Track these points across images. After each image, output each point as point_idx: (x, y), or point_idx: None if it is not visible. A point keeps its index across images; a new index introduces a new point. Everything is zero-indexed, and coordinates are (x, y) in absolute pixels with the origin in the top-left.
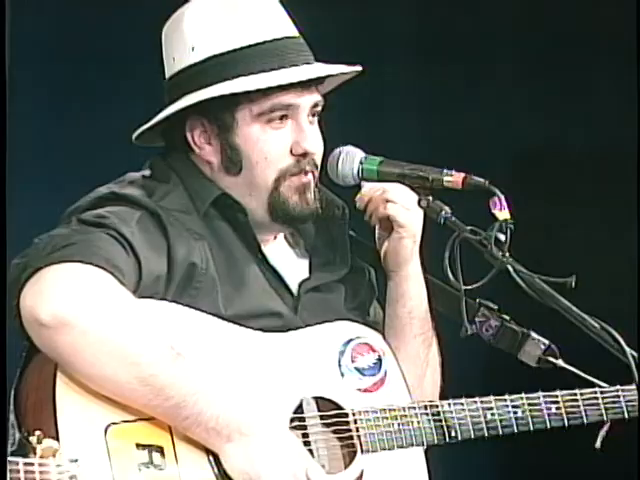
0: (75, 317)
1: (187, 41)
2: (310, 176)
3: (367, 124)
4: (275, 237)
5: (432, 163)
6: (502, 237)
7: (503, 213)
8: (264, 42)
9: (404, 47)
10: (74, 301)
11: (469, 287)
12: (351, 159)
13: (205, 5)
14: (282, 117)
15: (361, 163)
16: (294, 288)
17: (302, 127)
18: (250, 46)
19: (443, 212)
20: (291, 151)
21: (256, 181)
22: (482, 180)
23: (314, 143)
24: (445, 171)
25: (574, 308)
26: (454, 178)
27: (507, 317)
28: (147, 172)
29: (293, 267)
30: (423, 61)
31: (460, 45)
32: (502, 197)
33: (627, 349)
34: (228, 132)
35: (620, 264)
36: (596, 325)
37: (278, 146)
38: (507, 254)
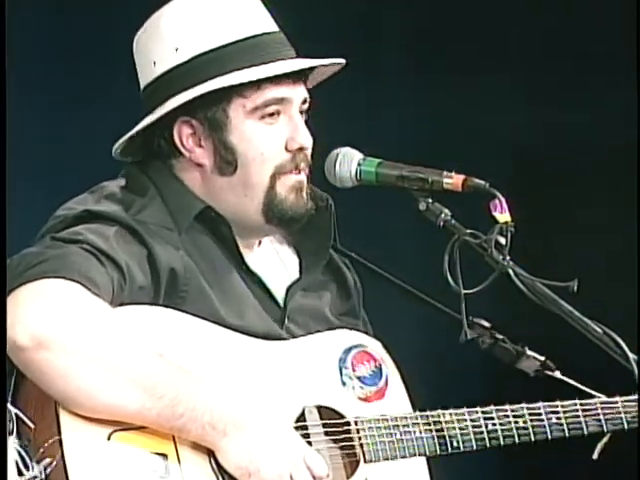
0: (52, 333)
1: (169, 43)
2: (304, 174)
3: (365, 125)
4: (260, 242)
5: (431, 165)
6: (502, 240)
7: (503, 216)
8: (249, 37)
9: (402, 47)
10: (49, 318)
11: (469, 291)
12: (349, 161)
13: (184, 6)
14: (274, 113)
15: (359, 165)
16: (280, 297)
17: (296, 122)
18: (236, 42)
19: (442, 215)
20: (286, 147)
21: (252, 180)
22: (482, 182)
23: (308, 138)
24: (445, 173)
25: (576, 312)
26: (454, 180)
27: (500, 336)
28: (123, 182)
29: (279, 273)
30: (422, 61)
31: (459, 44)
32: (503, 199)
33: (630, 354)
34: (221, 130)
35: (623, 267)
36: (598, 330)
37: (274, 142)
38: (508, 257)
